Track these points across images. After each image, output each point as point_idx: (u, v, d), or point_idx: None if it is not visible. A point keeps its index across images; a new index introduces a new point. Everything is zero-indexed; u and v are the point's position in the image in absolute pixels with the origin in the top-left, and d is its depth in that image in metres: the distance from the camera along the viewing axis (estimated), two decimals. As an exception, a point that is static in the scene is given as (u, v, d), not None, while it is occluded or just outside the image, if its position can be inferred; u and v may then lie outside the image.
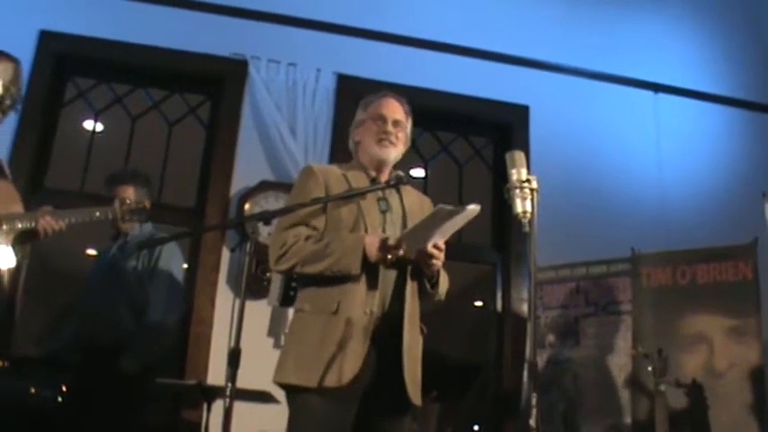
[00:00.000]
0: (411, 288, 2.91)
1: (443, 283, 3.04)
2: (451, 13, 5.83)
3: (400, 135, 3.13)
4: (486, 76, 5.70)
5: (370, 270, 2.82)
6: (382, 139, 3.07)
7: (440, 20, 5.79)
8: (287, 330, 4.62)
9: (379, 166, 3.10)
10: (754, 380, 4.27)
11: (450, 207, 2.71)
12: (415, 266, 2.91)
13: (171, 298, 4.05)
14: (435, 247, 2.83)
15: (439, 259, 2.86)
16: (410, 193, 3.16)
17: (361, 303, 2.80)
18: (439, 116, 5.61)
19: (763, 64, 6.32)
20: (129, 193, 4.04)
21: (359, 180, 3.05)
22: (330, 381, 2.70)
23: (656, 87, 6.01)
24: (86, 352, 3.97)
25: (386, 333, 2.80)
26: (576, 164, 5.62)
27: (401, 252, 2.77)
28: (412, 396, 2.82)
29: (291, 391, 2.82)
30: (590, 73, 5.91)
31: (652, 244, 4.91)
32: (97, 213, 3.73)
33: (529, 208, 2.64)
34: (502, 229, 5.58)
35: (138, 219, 3.91)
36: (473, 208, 2.72)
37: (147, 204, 3.91)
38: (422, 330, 3.00)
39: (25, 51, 4.93)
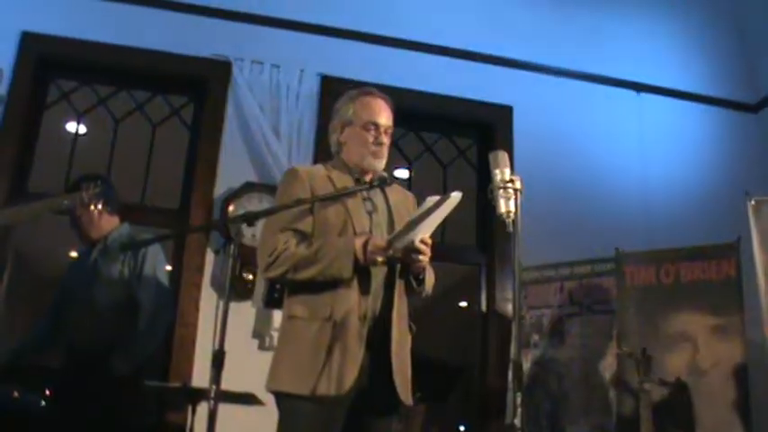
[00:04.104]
0: (399, 287, 2.89)
1: (429, 278, 3.02)
2: (435, 14, 5.83)
3: (389, 141, 3.11)
4: (469, 76, 5.71)
5: (362, 273, 2.80)
6: (377, 151, 3.04)
7: (424, 21, 5.78)
8: (272, 332, 4.66)
9: (367, 170, 3.07)
10: (737, 378, 4.28)
11: (435, 198, 2.70)
12: (402, 264, 2.89)
13: (161, 299, 4.03)
14: (422, 242, 2.81)
15: (426, 254, 2.83)
16: (395, 191, 3.14)
17: (355, 308, 2.77)
18: (423, 117, 5.62)
19: (745, 63, 6.35)
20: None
21: (344, 182, 3.02)
22: (326, 388, 2.68)
23: (639, 87, 6.04)
24: (73, 357, 3.94)
25: (377, 335, 2.79)
26: (560, 164, 5.63)
27: (391, 252, 2.77)
28: (402, 396, 2.81)
29: (282, 396, 2.79)
30: (573, 73, 5.93)
31: (636, 243, 4.92)
32: (65, 201, 3.70)
33: (512, 208, 2.64)
34: (486, 230, 5.57)
35: (106, 200, 3.86)
36: (455, 195, 2.72)
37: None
38: (410, 328, 2.99)
39: (7, 52, 4.93)
